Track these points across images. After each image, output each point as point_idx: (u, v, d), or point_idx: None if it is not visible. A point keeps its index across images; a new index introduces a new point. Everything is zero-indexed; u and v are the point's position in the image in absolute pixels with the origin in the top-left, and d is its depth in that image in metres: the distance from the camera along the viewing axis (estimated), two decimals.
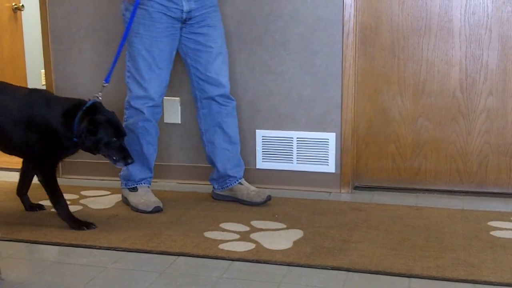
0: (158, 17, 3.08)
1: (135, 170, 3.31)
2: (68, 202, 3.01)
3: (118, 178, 3.41)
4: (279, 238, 2.84)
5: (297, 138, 3.63)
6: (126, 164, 2.97)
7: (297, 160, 3.65)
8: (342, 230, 2.95)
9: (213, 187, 3.47)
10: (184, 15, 3.12)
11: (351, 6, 3.42)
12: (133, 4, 3.05)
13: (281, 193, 3.54)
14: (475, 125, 3.49)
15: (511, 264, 2.53)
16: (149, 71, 3.15)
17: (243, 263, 2.58)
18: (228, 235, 2.88)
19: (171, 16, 3.09)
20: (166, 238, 2.85)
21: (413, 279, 2.42)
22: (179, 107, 3.76)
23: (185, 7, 3.10)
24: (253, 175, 3.66)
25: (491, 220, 3.06)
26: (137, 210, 3.24)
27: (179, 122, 3.79)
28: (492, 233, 2.90)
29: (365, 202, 3.42)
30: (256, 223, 3.04)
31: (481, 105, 3.46)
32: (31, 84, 5.45)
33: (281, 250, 2.70)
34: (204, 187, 3.67)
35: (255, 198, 3.31)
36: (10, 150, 3.01)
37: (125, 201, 3.37)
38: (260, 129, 3.68)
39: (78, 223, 2.97)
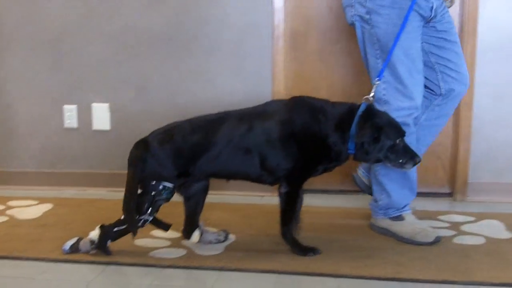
0: (413, 16, 2.74)
1: (398, 196, 2.94)
2: None
3: (47, 187, 3.31)
4: (211, 244, 2.82)
5: None
6: (415, 164, 2.63)
7: None
8: (273, 233, 2.96)
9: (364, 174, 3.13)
10: (432, 13, 2.81)
11: (280, 11, 3.46)
12: (389, 5, 2.74)
13: (213, 198, 3.52)
14: None
15: (437, 262, 2.59)
16: (410, 77, 2.79)
17: (174, 270, 2.56)
18: (159, 242, 2.85)
19: (421, 15, 2.79)
20: None
21: (342, 279, 2.45)
22: (109, 113, 3.71)
23: (435, 4, 2.79)
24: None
25: (420, 219, 3.12)
26: (412, 242, 2.83)
27: (109, 129, 3.74)
28: None
29: None
30: None
31: None
32: None
33: (213, 255, 2.69)
34: None
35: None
36: (250, 172, 2.68)
37: (383, 231, 2.97)
38: None
39: (302, 248, 2.70)
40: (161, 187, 2.61)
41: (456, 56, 2.92)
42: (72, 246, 2.73)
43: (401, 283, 2.42)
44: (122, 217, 2.66)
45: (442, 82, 2.95)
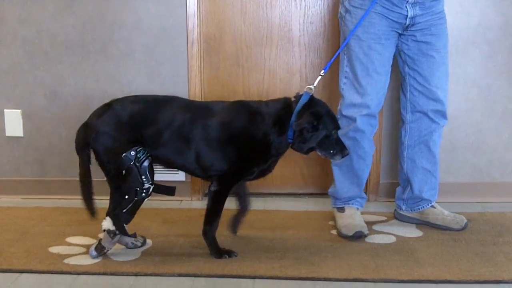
0: (379, 19, 2.85)
1: (342, 187, 3.08)
2: None
3: None
4: (127, 249, 2.82)
5: None
6: (343, 156, 2.71)
7: None
8: (191, 237, 2.98)
9: (399, 207, 3.24)
10: (408, 21, 2.88)
11: (194, 16, 3.48)
12: (359, 6, 2.87)
13: None
14: None
15: (348, 260, 2.68)
16: (366, 77, 2.91)
17: (89, 277, 2.55)
18: (74, 249, 2.82)
19: (391, 20, 2.87)
20: (8, 256, 2.75)
21: (257, 280, 2.51)
22: (21, 120, 3.64)
23: (409, 13, 2.86)
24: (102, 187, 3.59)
25: (332, 219, 3.21)
26: (340, 234, 2.98)
27: (22, 135, 3.66)
28: (332, 232, 3.06)
29: None
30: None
31: None
32: None
33: (129, 261, 2.69)
34: (50, 201, 3.57)
35: (452, 224, 3.07)
36: (190, 167, 2.71)
37: (335, 224, 3.11)
38: None
39: (219, 250, 2.73)
40: (132, 153, 2.60)
41: (428, 70, 2.97)
42: (96, 248, 2.71)
43: (313, 282, 2.49)
44: (126, 196, 2.65)
45: (408, 93, 3.06)
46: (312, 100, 2.70)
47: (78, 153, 2.68)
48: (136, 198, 2.64)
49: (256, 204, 3.54)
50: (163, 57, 3.55)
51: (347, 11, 2.95)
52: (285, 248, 2.82)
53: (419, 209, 3.17)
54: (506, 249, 2.82)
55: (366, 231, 2.95)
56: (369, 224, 3.14)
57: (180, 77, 3.56)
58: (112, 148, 2.62)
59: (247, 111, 2.71)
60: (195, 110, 2.71)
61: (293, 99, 2.75)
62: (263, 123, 2.67)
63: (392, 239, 2.97)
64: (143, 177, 2.62)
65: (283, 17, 3.57)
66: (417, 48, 2.96)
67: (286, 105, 2.71)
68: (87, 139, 2.65)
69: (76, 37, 3.56)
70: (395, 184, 3.43)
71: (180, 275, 2.55)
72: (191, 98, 3.53)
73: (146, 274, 2.56)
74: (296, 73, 3.62)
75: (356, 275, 2.54)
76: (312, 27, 3.58)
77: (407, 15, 2.87)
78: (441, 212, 3.14)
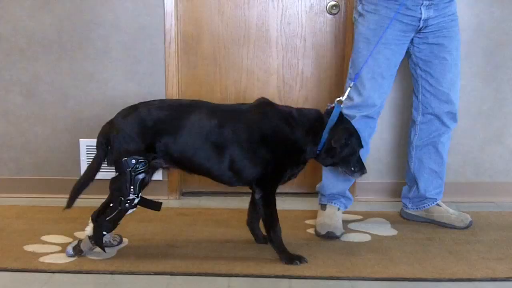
0: (391, 24, 2.86)
1: (328, 183, 3.13)
2: None
3: None
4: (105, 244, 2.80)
5: None
6: (362, 174, 2.76)
7: None
8: (167, 235, 2.99)
9: (405, 206, 3.28)
10: (421, 24, 2.90)
11: (171, 15, 3.48)
12: (372, 11, 2.91)
13: None
14: None
15: (324, 258, 2.70)
16: (371, 80, 2.93)
17: (64, 275, 2.53)
18: (50, 248, 2.81)
19: (405, 23, 2.89)
20: None
21: (233, 278, 2.51)
22: None
23: (424, 15, 2.88)
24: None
25: (308, 218, 3.24)
26: (315, 231, 3.03)
27: None
28: (308, 230, 3.08)
29: (192, 207, 3.48)
30: (80, 234, 2.96)
31: None
32: None
33: (105, 259, 2.68)
34: (25, 199, 3.55)
35: (457, 222, 3.12)
36: (223, 172, 2.65)
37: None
38: (84, 138, 3.61)
39: (289, 255, 2.66)
40: (133, 161, 2.57)
41: (440, 72, 3.00)
42: (74, 248, 2.69)
43: (289, 280, 2.50)
44: (111, 204, 2.63)
45: (420, 95, 3.09)
46: (342, 116, 2.72)
47: (97, 147, 2.69)
48: (120, 208, 2.61)
49: (233, 203, 3.57)
50: (141, 56, 3.55)
51: (360, 15, 2.98)
52: (261, 247, 2.83)
53: (424, 207, 3.22)
54: (479, 247, 2.86)
55: (338, 233, 2.97)
56: (345, 222, 3.17)
57: (157, 76, 3.56)
58: (128, 150, 2.59)
59: (279, 112, 2.69)
60: (222, 114, 2.66)
61: (324, 111, 2.75)
62: (297, 127, 2.65)
63: (368, 237, 2.99)
64: (131, 187, 2.59)
65: (260, 17, 3.59)
66: (429, 51, 2.99)
67: (318, 117, 2.71)
68: (109, 135, 2.63)
69: (53, 35, 3.54)
70: (372, 184, 3.47)
71: (156, 273, 2.54)
72: (168, 97, 3.54)
73: (122, 273, 2.55)
74: (274, 73, 3.63)
75: (332, 273, 2.56)
76: (289, 27, 3.60)
77: (420, 18, 2.90)
78: (446, 210, 3.19)
